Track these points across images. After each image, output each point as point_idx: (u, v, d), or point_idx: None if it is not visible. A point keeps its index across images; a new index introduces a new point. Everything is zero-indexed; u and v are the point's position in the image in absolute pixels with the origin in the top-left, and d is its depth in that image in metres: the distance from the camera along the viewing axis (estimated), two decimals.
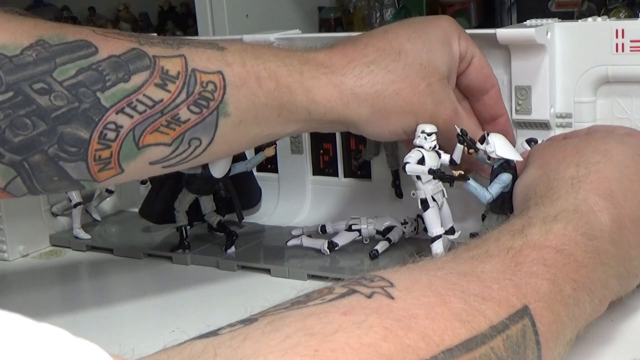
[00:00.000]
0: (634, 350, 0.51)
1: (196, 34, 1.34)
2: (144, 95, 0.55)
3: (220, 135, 0.58)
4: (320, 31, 1.46)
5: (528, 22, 0.69)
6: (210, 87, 0.57)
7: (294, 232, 0.76)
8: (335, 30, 1.45)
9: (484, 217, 0.66)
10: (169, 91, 0.56)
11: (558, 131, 0.69)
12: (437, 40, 0.63)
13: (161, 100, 0.55)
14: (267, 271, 0.70)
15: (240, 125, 0.59)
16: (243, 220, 0.79)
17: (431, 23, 0.65)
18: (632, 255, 0.51)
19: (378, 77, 0.61)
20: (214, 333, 0.34)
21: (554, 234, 0.47)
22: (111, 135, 0.54)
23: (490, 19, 1.38)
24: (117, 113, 0.54)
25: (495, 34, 0.67)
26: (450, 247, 0.63)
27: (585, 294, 0.46)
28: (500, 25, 1.27)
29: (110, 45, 0.55)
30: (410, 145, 0.63)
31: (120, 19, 1.92)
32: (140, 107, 0.55)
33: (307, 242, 0.73)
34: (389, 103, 0.61)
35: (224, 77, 0.57)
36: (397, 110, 0.62)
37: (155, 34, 0.60)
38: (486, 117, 0.68)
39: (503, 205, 0.60)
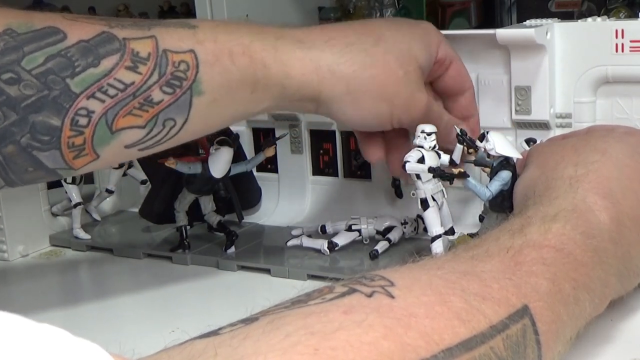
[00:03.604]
0: (634, 350, 0.51)
1: None
2: (115, 79, 0.54)
3: (195, 114, 0.58)
4: None
5: (528, 22, 0.70)
6: (183, 66, 0.56)
7: (294, 232, 0.76)
8: None
9: (481, 219, 0.66)
10: (140, 73, 0.55)
11: (558, 131, 0.69)
12: (417, 36, 0.64)
13: (132, 83, 0.55)
14: (267, 271, 0.70)
15: (214, 103, 0.58)
16: (243, 220, 0.79)
17: (412, 23, 0.66)
18: (632, 254, 0.51)
19: (357, 58, 0.61)
20: (214, 332, 0.34)
21: (553, 233, 0.47)
22: (83, 121, 0.54)
23: (490, 19, 1.38)
24: (87, 98, 0.54)
25: (495, 34, 0.67)
26: (450, 247, 0.63)
27: (585, 292, 0.46)
28: (500, 25, 1.27)
29: (79, 30, 0.55)
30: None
31: None
32: (112, 91, 0.54)
33: (307, 242, 0.73)
34: (364, 85, 0.61)
35: (196, 55, 0.57)
36: (371, 94, 0.61)
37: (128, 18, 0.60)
38: (458, 117, 0.69)
39: (502, 203, 0.60)
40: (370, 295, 0.37)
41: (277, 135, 0.80)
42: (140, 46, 0.56)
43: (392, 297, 0.38)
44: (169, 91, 0.56)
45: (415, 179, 0.62)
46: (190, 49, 0.57)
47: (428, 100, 0.63)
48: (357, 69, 0.61)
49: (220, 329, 0.35)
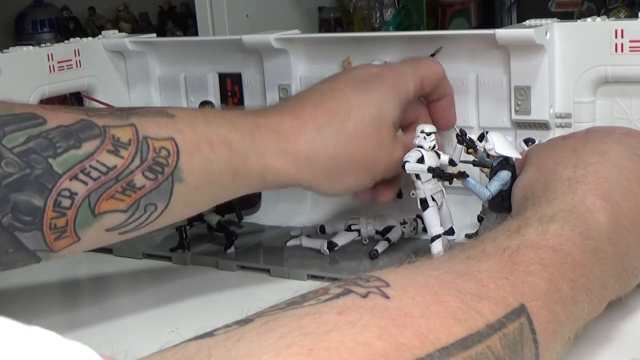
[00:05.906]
0: (633, 350, 0.51)
1: (196, 34, 1.34)
2: (97, 161, 0.54)
3: (176, 200, 0.58)
4: (320, 31, 1.46)
5: (527, 22, 0.69)
6: (164, 152, 0.57)
7: (293, 233, 0.76)
8: (335, 30, 1.45)
9: (480, 219, 0.66)
10: (122, 157, 0.55)
11: (557, 131, 0.69)
12: (386, 94, 0.64)
13: (115, 167, 0.55)
14: (267, 271, 0.70)
15: (195, 190, 0.59)
16: (243, 220, 0.79)
17: (378, 78, 0.65)
18: (631, 255, 0.51)
19: (330, 141, 0.62)
20: (209, 334, 0.34)
21: (551, 234, 0.47)
22: (66, 202, 0.53)
23: (490, 19, 1.38)
24: (70, 179, 0.53)
25: (494, 34, 0.67)
26: (449, 248, 0.63)
27: (583, 293, 0.46)
28: (500, 25, 1.28)
29: (59, 117, 0.55)
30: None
31: (120, 19, 1.93)
32: (94, 174, 0.54)
33: (306, 242, 0.73)
34: (342, 165, 0.63)
35: (176, 143, 0.57)
36: (350, 170, 0.63)
37: (104, 106, 0.61)
38: (436, 116, 0.71)
39: (502, 203, 0.60)
40: (365, 296, 0.37)
41: None
42: (120, 133, 0.56)
43: (387, 297, 0.38)
44: (151, 177, 0.56)
45: (415, 179, 0.62)
46: (170, 136, 0.57)
47: (403, 148, 0.64)
48: (331, 152, 0.62)
49: (215, 330, 0.35)
